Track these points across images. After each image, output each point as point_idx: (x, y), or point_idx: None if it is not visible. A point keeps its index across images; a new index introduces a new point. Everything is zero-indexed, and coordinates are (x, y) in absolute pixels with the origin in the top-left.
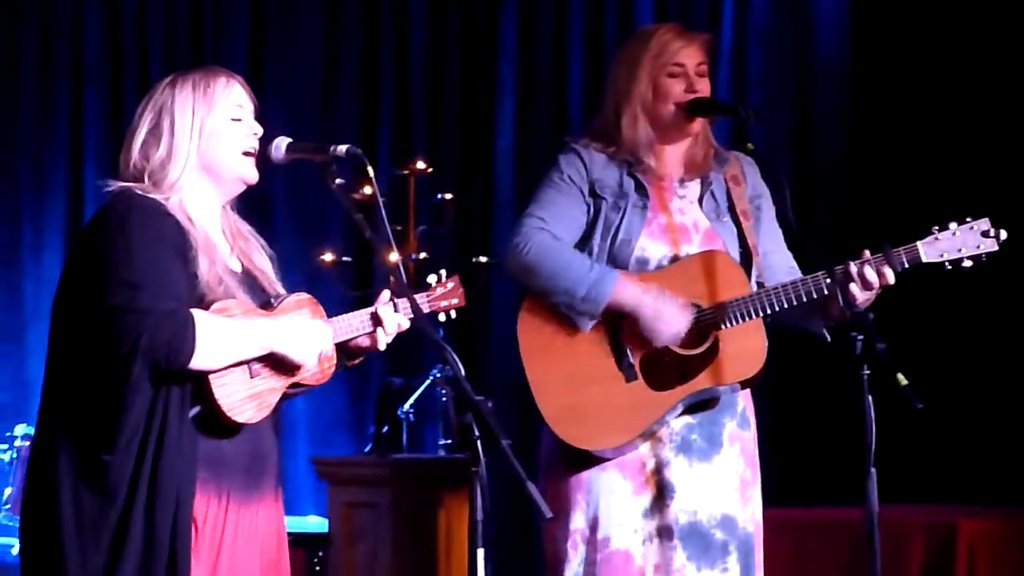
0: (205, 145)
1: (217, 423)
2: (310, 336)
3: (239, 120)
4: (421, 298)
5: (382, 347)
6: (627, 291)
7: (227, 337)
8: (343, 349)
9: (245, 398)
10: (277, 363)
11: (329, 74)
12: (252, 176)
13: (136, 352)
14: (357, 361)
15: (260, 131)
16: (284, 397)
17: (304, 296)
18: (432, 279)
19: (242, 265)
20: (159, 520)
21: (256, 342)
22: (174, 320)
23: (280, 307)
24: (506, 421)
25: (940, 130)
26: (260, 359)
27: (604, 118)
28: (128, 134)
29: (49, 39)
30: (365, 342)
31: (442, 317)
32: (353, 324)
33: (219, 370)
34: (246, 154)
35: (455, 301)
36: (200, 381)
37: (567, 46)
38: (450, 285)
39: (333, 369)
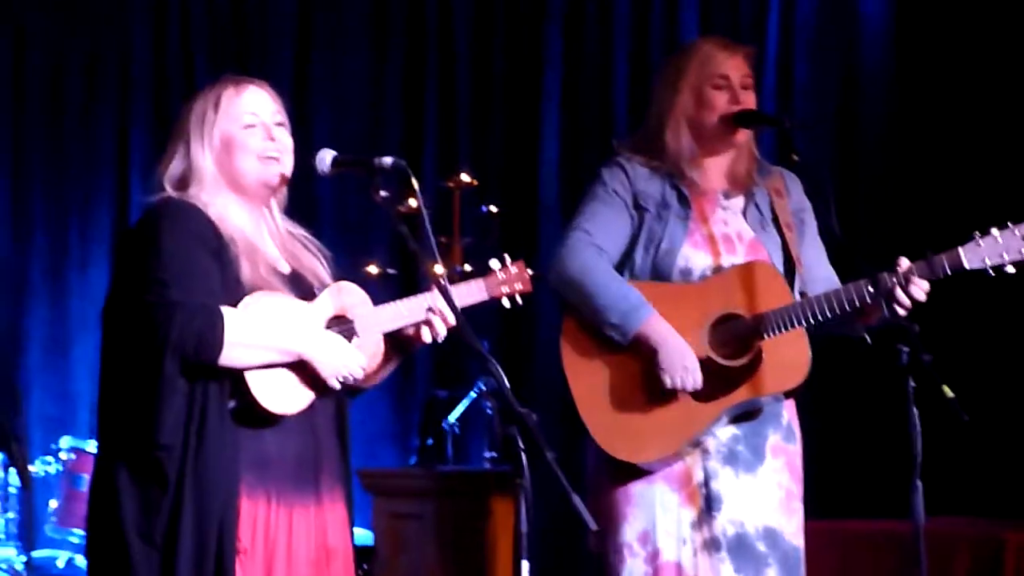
0: (220, 156)
1: (256, 415)
2: (339, 354)
3: (252, 126)
4: (480, 283)
5: (427, 340)
6: (656, 329)
7: (256, 337)
8: (393, 340)
9: (284, 389)
10: (307, 367)
11: (375, 86)
12: (273, 179)
13: (166, 344)
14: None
15: (278, 135)
16: (350, 392)
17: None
18: (495, 263)
19: (290, 267)
20: (206, 516)
21: (284, 347)
22: (202, 314)
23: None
24: (551, 434)
25: (987, 137)
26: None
27: (647, 131)
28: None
29: (97, 53)
30: (410, 332)
31: (507, 303)
32: (402, 311)
33: (252, 368)
34: (264, 159)
35: (519, 286)
36: (237, 376)
37: (612, 56)
38: (514, 270)
39: (379, 363)
